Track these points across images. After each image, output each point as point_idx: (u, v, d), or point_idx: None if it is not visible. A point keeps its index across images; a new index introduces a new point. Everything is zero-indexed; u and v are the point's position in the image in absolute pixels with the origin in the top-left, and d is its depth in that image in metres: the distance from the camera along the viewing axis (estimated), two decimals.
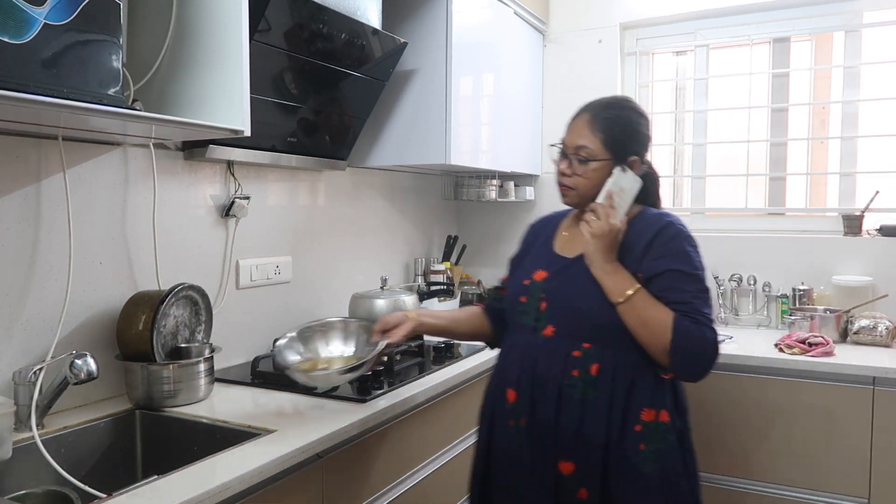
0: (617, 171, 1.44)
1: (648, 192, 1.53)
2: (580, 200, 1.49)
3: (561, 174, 1.49)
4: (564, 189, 1.50)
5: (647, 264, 1.39)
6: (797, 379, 2.15)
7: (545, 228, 1.62)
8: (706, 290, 1.39)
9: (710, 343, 1.34)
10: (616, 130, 1.46)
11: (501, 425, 1.47)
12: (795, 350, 2.22)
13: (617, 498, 1.36)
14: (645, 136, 1.52)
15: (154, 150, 1.73)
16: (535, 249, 1.58)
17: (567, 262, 1.48)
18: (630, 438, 1.37)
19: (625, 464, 1.36)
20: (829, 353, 2.18)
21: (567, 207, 1.59)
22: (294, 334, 1.67)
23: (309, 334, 1.69)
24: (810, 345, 2.22)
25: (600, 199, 1.43)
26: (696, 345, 1.33)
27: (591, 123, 1.46)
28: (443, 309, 1.72)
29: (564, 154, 1.49)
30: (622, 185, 1.44)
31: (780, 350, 2.26)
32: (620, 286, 1.36)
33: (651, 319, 1.34)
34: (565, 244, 1.53)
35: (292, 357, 1.63)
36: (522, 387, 1.43)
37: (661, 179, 1.62)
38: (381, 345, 1.54)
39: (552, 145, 1.56)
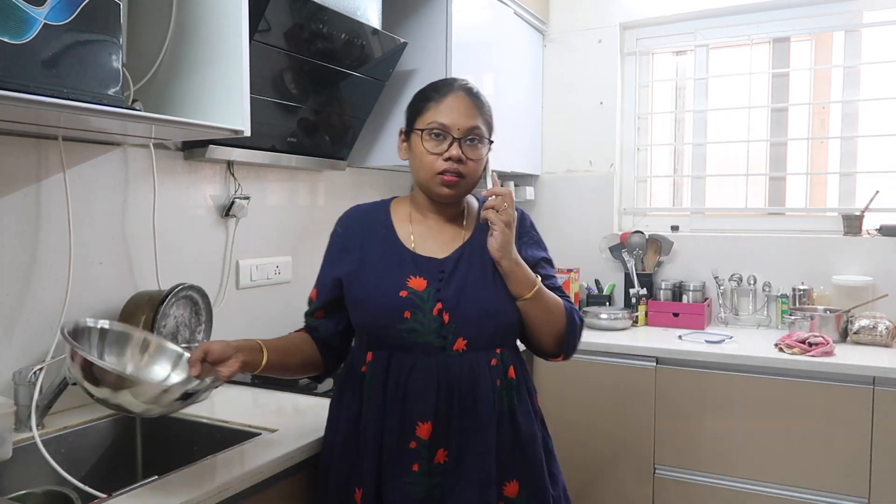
0: (490, 153, 1.36)
1: None
2: (467, 190, 1.34)
3: (457, 160, 1.27)
4: (454, 179, 1.28)
5: (524, 253, 1.34)
6: (797, 379, 2.15)
7: (370, 227, 1.38)
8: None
9: (582, 323, 1.39)
10: (489, 108, 1.35)
11: (399, 475, 1.24)
12: (795, 350, 2.22)
13: (549, 496, 1.32)
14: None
15: (154, 150, 1.73)
16: (380, 253, 1.33)
17: (447, 264, 1.31)
18: (544, 430, 1.39)
19: (552, 460, 1.37)
20: (829, 353, 2.18)
21: (377, 200, 1.43)
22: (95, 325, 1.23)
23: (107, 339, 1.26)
24: (810, 345, 2.22)
25: (490, 184, 1.32)
26: (580, 326, 1.37)
27: (476, 104, 1.32)
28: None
29: (447, 138, 1.28)
30: (489, 166, 1.37)
31: (780, 350, 2.25)
32: (529, 277, 1.29)
33: (553, 307, 1.32)
34: (423, 243, 1.34)
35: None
36: (441, 417, 1.24)
37: None
38: (208, 381, 1.17)
39: (423, 130, 1.30)
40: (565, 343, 1.34)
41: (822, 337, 2.24)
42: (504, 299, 1.29)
